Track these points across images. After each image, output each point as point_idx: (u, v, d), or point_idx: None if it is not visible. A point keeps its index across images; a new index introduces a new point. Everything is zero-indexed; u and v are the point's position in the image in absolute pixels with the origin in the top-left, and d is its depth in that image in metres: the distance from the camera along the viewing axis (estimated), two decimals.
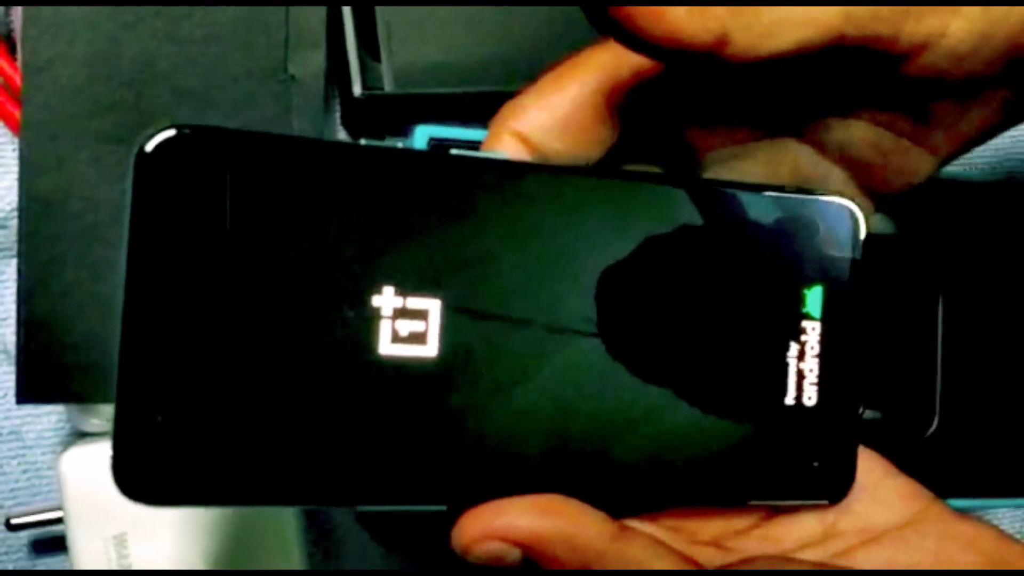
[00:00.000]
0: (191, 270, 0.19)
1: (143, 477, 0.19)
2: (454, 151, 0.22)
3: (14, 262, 0.30)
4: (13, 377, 0.29)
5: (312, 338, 0.20)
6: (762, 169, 0.25)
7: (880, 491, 0.24)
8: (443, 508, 0.21)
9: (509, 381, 0.21)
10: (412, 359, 0.20)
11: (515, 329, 0.21)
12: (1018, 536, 0.41)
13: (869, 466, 0.24)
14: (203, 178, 0.19)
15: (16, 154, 0.30)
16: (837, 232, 0.23)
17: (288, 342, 0.19)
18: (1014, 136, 0.40)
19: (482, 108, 0.31)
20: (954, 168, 0.32)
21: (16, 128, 0.31)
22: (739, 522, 0.23)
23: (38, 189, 0.29)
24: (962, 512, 0.24)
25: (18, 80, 0.30)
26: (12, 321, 0.29)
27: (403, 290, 0.20)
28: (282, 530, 0.32)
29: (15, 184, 0.30)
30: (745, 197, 0.23)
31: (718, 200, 0.23)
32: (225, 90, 0.30)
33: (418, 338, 0.20)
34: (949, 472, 0.33)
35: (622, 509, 0.22)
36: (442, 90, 0.31)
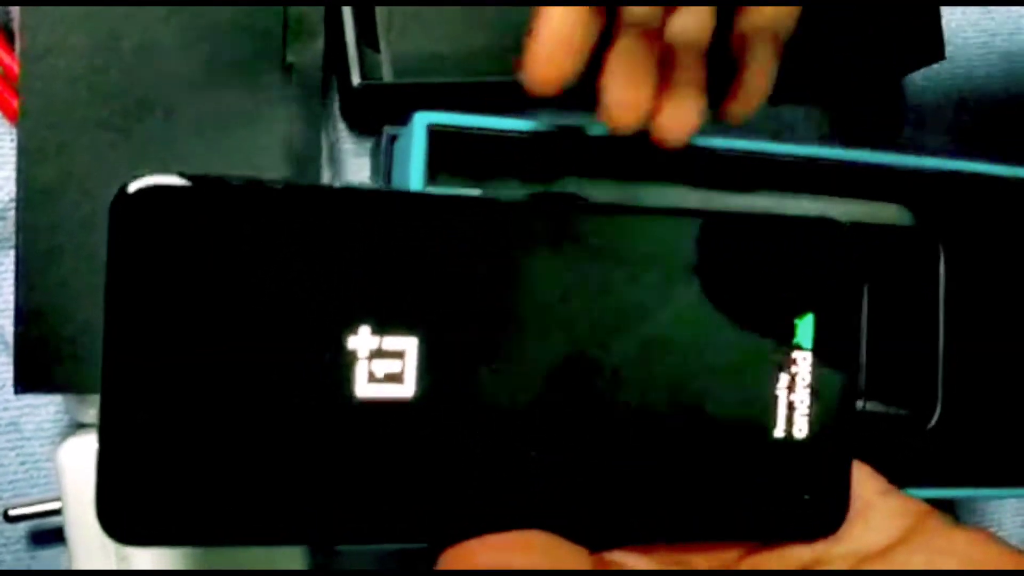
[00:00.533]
0: (168, 313, 0.19)
1: (128, 520, 0.19)
2: (430, 189, 0.22)
3: (12, 252, 0.30)
4: (11, 368, 0.29)
5: (289, 379, 0.20)
6: None
7: (872, 513, 0.23)
8: (424, 546, 0.21)
9: (487, 420, 0.21)
10: (389, 400, 0.20)
11: (494, 367, 0.21)
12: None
13: (861, 487, 0.23)
14: (179, 224, 0.19)
15: (14, 144, 0.30)
16: (828, 255, 0.23)
17: (265, 383, 0.19)
18: None
19: (480, 97, 0.31)
20: (969, 162, 0.32)
21: (14, 118, 0.31)
22: (729, 553, 0.23)
23: (36, 179, 0.29)
24: (958, 522, 0.23)
25: (16, 69, 0.30)
26: (10, 312, 0.29)
27: (379, 330, 0.20)
28: None
29: (13, 174, 0.30)
30: (732, 225, 0.22)
31: (705, 229, 0.22)
32: (224, 79, 0.30)
33: (395, 378, 0.20)
34: (952, 463, 0.33)
35: (607, 543, 0.22)
36: (440, 79, 0.31)
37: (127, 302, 0.19)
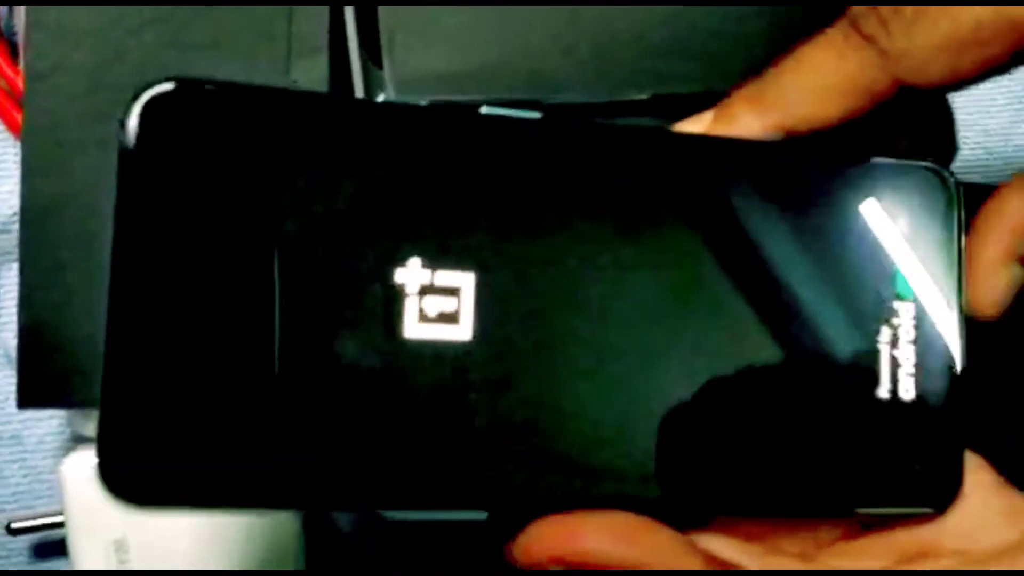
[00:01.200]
0: (185, 248, 0.17)
1: (133, 478, 0.17)
2: (484, 109, 0.19)
3: (15, 266, 0.30)
4: (14, 380, 0.29)
5: (326, 319, 0.17)
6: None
7: (986, 509, 0.21)
8: (483, 516, 0.18)
9: (556, 371, 0.18)
10: (443, 343, 0.18)
11: (566, 310, 0.18)
12: None
13: (975, 479, 0.22)
14: (199, 137, 0.17)
15: (18, 158, 0.30)
16: (931, 203, 0.21)
17: (299, 323, 0.17)
18: None
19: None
20: None
21: (18, 132, 0.31)
22: (826, 534, 0.22)
23: (40, 195, 0.29)
24: None
25: (21, 84, 0.30)
26: (14, 326, 0.29)
27: (431, 263, 0.18)
28: (284, 537, 0.32)
29: (16, 188, 0.30)
30: (830, 167, 0.21)
31: (795, 170, 0.20)
32: None
33: (449, 318, 0.18)
34: None
35: (692, 517, 0.20)
36: (444, 98, 0.31)
37: (137, 228, 0.16)
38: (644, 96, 0.30)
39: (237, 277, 0.17)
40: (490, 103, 0.31)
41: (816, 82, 0.22)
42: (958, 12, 0.21)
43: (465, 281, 0.18)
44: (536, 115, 0.20)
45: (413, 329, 0.18)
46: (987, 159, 0.41)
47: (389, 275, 0.18)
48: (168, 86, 0.17)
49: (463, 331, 0.18)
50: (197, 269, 0.17)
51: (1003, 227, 0.22)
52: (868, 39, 0.22)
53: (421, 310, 0.18)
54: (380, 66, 0.31)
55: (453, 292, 0.18)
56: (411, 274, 0.18)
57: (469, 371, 0.18)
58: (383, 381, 0.18)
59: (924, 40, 0.21)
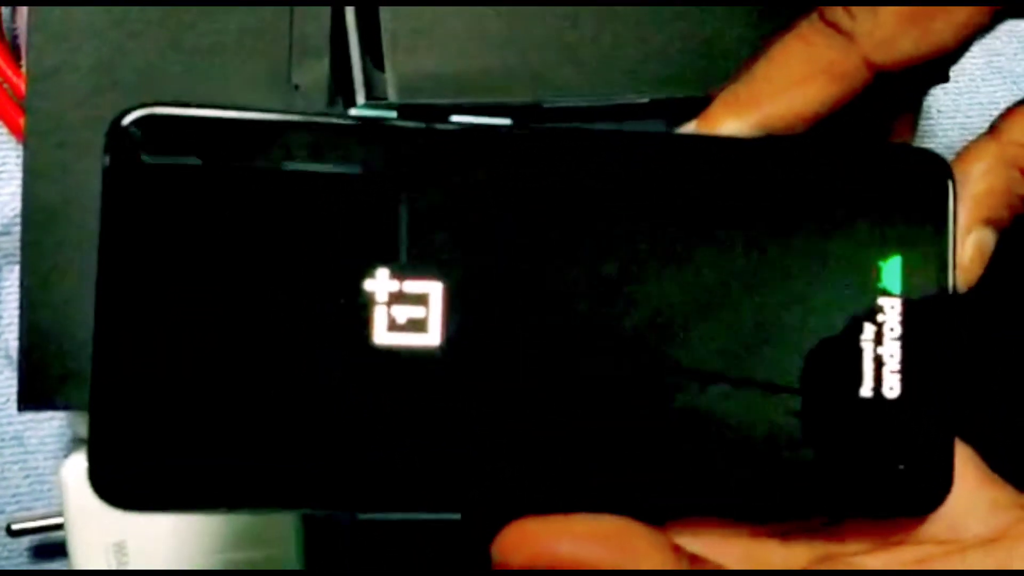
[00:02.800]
0: (168, 257, 0.17)
1: (123, 483, 0.17)
2: (454, 118, 0.20)
3: (17, 269, 0.30)
4: (15, 382, 0.29)
5: (300, 328, 0.18)
6: None
7: (972, 500, 0.21)
8: (456, 517, 0.19)
9: (525, 373, 0.19)
10: (412, 350, 0.18)
11: (531, 313, 0.19)
12: None
13: (963, 470, 0.21)
14: (174, 155, 0.17)
15: (20, 161, 0.30)
16: (921, 191, 0.20)
17: (275, 332, 0.18)
18: None
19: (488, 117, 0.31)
20: None
21: (20, 134, 0.31)
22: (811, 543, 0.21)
23: (41, 197, 0.29)
24: None
25: (23, 86, 0.30)
26: (15, 327, 0.30)
27: (400, 272, 0.18)
28: (284, 537, 0.32)
29: (18, 191, 0.30)
30: (809, 150, 0.20)
31: (779, 156, 0.20)
32: (229, 99, 0.30)
33: (418, 326, 0.18)
34: None
35: (666, 518, 0.20)
36: (446, 100, 0.31)
37: (123, 240, 0.17)
38: (644, 100, 0.30)
39: (217, 288, 0.18)
40: (490, 105, 0.31)
41: (788, 75, 0.22)
42: None
43: (433, 288, 0.18)
44: (507, 122, 0.20)
45: (384, 336, 0.18)
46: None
47: (359, 284, 0.18)
48: (145, 111, 0.18)
49: (432, 338, 0.18)
50: (178, 281, 0.18)
51: (965, 194, 0.22)
52: (833, 25, 0.22)
53: (391, 318, 0.18)
54: (381, 68, 0.31)
55: (422, 300, 0.18)
56: (380, 284, 0.18)
57: (439, 376, 0.18)
58: (358, 387, 0.18)
59: (888, 15, 0.21)
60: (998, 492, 0.22)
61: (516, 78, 0.31)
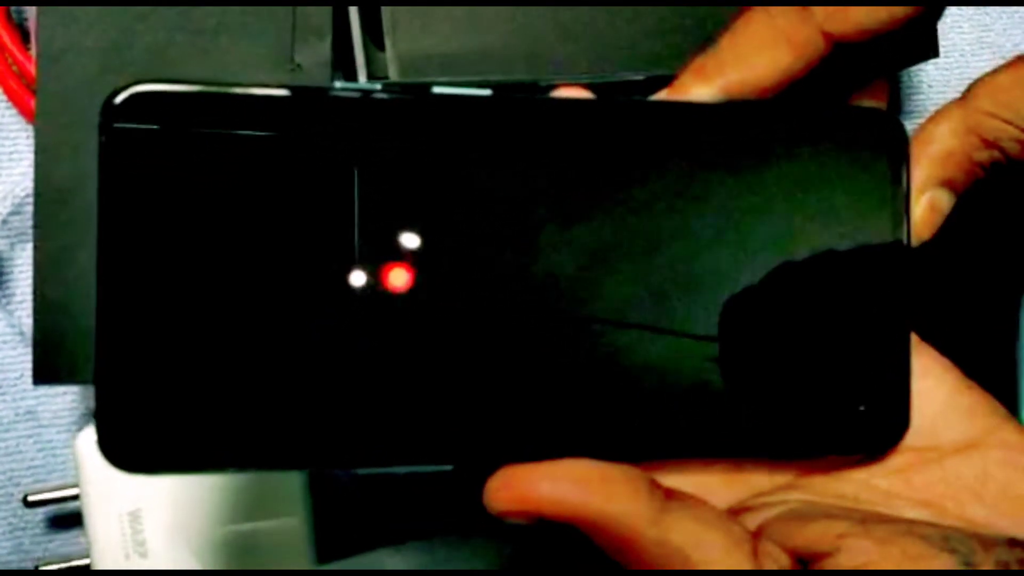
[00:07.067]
0: (164, 228, 0.19)
1: (130, 446, 0.18)
2: (436, 89, 0.21)
3: (30, 247, 0.31)
4: (29, 358, 0.30)
5: (296, 293, 0.19)
6: None
7: (948, 407, 0.22)
8: (448, 468, 0.20)
9: (511, 332, 0.20)
10: (400, 309, 0.19)
11: (520, 275, 0.20)
12: None
13: (939, 378, 0.22)
14: (170, 133, 0.19)
15: (31, 141, 0.31)
16: (875, 149, 0.21)
17: (271, 297, 0.19)
18: None
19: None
20: None
21: (31, 116, 0.32)
22: (784, 476, 0.22)
23: (52, 177, 0.30)
24: None
25: (33, 69, 0.30)
26: (28, 304, 0.30)
27: (386, 229, 0.19)
28: (292, 508, 0.32)
29: (30, 171, 0.30)
30: (768, 113, 0.21)
31: (738, 116, 0.21)
32: (233, 78, 0.30)
33: (406, 287, 0.19)
34: None
35: (643, 459, 0.21)
36: (447, 80, 0.32)
37: (121, 215, 0.18)
38: (640, 77, 0.31)
39: (212, 255, 0.19)
40: (490, 84, 0.32)
41: (750, 44, 0.23)
42: None
43: (420, 252, 0.19)
44: (486, 93, 0.21)
45: (372, 299, 0.19)
46: None
47: (348, 250, 0.19)
48: (133, 89, 0.19)
49: (419, 298, 0.19)
50: (175, 250, 0.19)
51: (925, 154, 0.23)
52: None
53: (378, 282, 0.19)
54: (382, 48, 0.32)
55: (408, 263, 0.19)
56: (368, 248, 0.19)
57: (425, 334, 0.19)
58: (350, 349, 0.19)
59: None
60: (975, 399, 0.22)
61: (514, 57, 0.31)
